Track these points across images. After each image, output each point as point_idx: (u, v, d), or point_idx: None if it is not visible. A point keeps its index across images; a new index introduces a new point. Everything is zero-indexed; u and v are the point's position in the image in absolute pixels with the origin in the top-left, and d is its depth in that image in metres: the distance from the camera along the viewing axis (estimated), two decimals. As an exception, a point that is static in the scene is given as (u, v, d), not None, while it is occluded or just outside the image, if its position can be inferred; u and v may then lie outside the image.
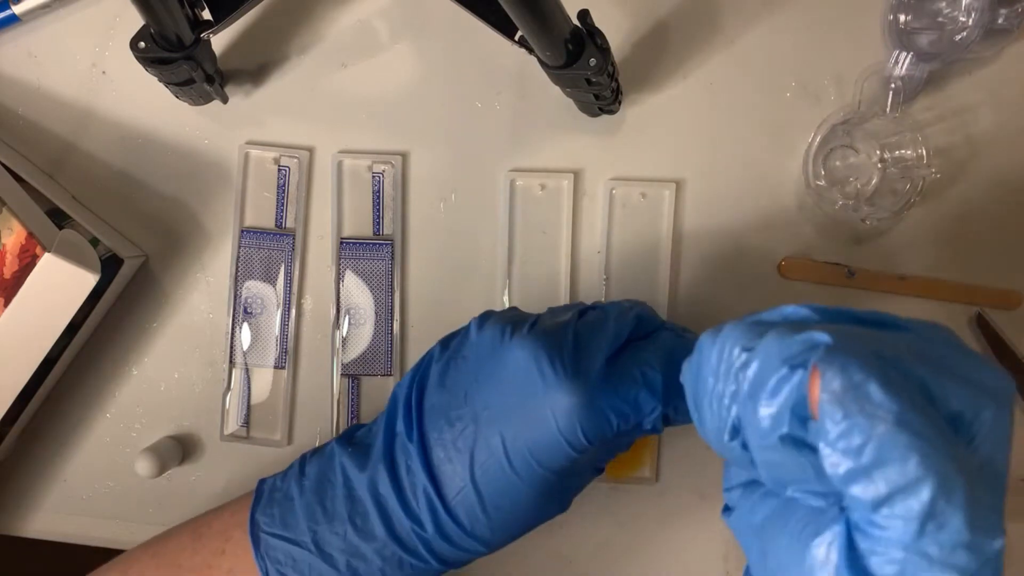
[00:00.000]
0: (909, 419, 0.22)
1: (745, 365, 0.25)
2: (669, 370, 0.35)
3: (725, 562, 0.49)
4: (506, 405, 0.34)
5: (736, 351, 0.26)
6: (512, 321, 0.36)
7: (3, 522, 0.50)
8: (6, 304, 0.40)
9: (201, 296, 0.49)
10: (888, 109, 0.44)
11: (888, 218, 0.45)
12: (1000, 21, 0.43)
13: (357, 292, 0.48)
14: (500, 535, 0.36)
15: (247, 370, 0.49)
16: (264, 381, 0.49)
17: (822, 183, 0.45)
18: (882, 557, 0.23)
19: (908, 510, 0.22)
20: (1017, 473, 0.47)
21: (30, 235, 0.39)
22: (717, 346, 0.27)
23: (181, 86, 0.44)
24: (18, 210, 0.40)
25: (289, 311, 0.48)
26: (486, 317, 0.37)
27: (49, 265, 0.39)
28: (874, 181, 0.45)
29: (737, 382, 0.26)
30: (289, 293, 0.48)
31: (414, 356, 0.49)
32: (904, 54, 0.44)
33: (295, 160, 0.48)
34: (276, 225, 0.48)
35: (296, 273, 0.48)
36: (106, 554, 0.45)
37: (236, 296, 0.48)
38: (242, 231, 0.48)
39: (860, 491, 0.22)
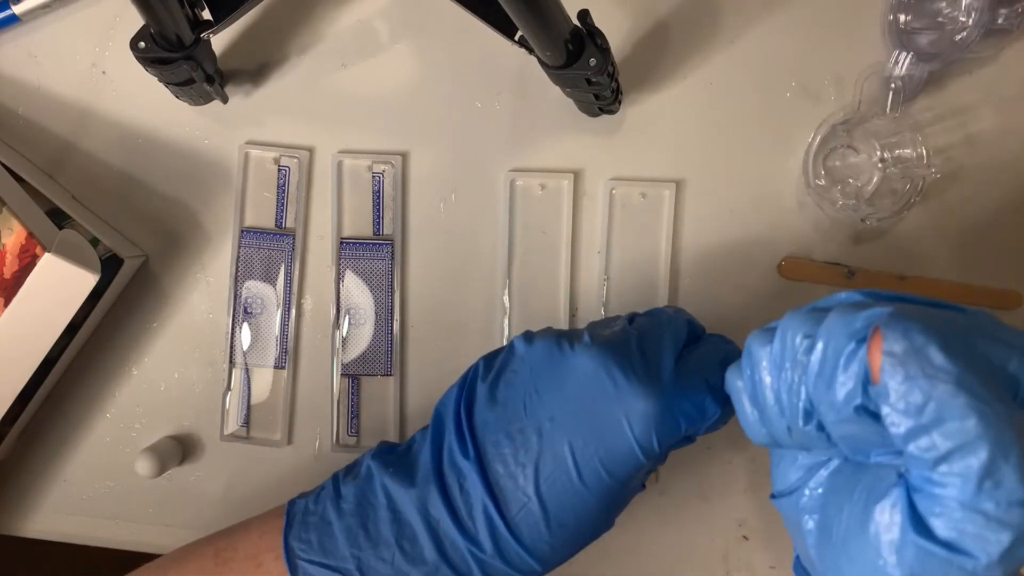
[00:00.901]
0: (968, 381, 0.23)
1: (809, 349, 0.27)
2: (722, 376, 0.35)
3: (725, 562, 0.48)
4: (574, 415, 0.34)
5: (798, 338, 0.27)
6: (561, 334, 0.36)
7: (3, 522, 0.50)
8: (6, 304, 0.40)
9: (201, 296, 0.49)
10: (888, 109, 0.44)
11: (888, 218, 0.45)
12: (1000, 21, 0.43)
13: (357, 292, 0.48)
14: (558, 554, 0.35)
15: (247, 370, 0.49)
16: (264, 381, 0.49)
17: (822, 183, 0.45)
18: (941, 515, 0.24)
19: (966, 468, 0.23)
20: (1017, 473, 0.47)
21: (30, 235, 0.39)
22: (779, 337, 0.28)
23: (181, 86, 0.44)
24: (18, 210, 0.40)
25: (289, 311, 0.48)
26: (530, 334, 0.36)
27: (49, 265, 0.39)
28: (874, 181, 0.45)
29: (803, 367, 0.27)
30: (289, 293, 0.48)
31: (414, 356, 0.49)
32: (904, 54, 0.44)
33: (295, 160, 0.48)
34: (276, 225, 0.48)
35: (296, 273, 0.48)
36: (106, 554, 0.45)
37: (236, 296, 0.48)
38: (242, 231, 0.48)
39: (919, 449, 0.24)
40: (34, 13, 0.48)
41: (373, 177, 0.48)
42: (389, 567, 0.35)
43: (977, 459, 0.23)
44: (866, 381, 0.25)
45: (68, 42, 0.48)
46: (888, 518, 0.25)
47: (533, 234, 0.48)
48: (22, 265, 0.39)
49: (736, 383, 0.30)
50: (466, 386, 0.37)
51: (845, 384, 0.25)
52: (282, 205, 0.48)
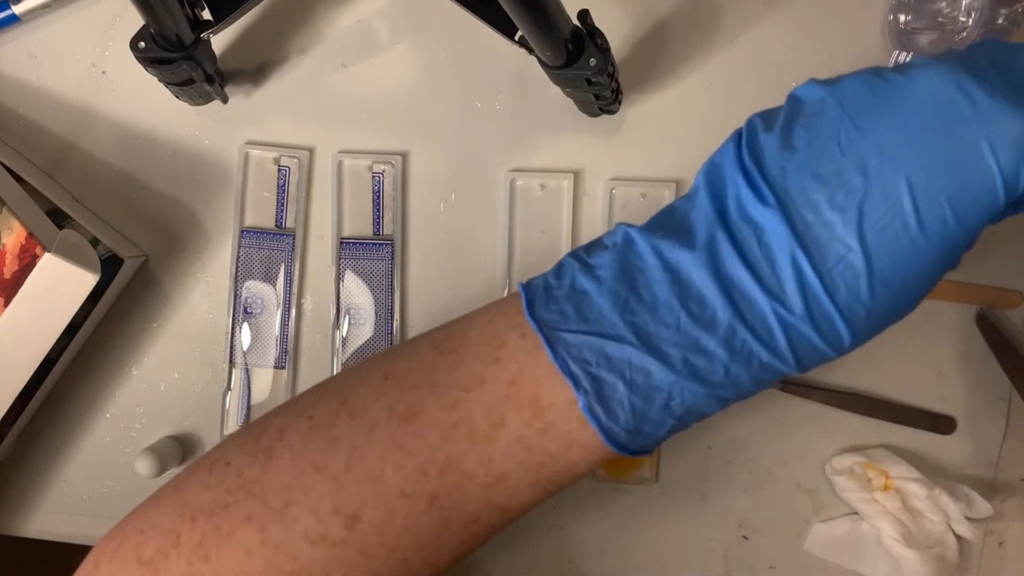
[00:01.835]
0: None
1: None
2: None
3: (725, 562, 0.48)
4: (915, 145, 0.27)
5: None
6: (872, 69, 0.30)
7: (3, 522, 0.50)
8: (6, 304, 0.40)
9: (201, 296, 0.49)
10: (888, 109, 0.44)
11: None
12: (1000, 21, 0.43)
13: (357, 292, 0.48)
14: (873, 326, 0.29)
15: (247, 370, 0.49)
16: (264, 381, 0.49)
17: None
18: None
19: None
20: (1017, 473, 0.47)
21: (30, 235, 0.39)
22: None
23: (181, 86, 0.44)
24: (18, 210, 0.40)
25: (289, 311, 0.48)
26: (816, 80, 0.31)
27: (49, 265, 0.39)
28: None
29: None
30: (289, 293, 0.48)
31: (414, 356, 0.49)
32: (904, 54, 0.44)
33: (295, 160, 0.48)
34: (276, 225, 0.48)
35: (296, 273, 0.48)
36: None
37: (236, 296, 0.48)
38: (242, 231, 0.48)
39: None
40: (34, 13, 0.48)
41: (373, 177, 0.48)
42: (674, 332, 0.29)
43: None
44: None
45: (68, 42, 0.48)
46: None
47: (533, 234, 0.48)
48: (22, 265, 0.39)
49: None
50: (743, 140, 0.30)
51: None
52: (282, 205, 0.48)
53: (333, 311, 0.48)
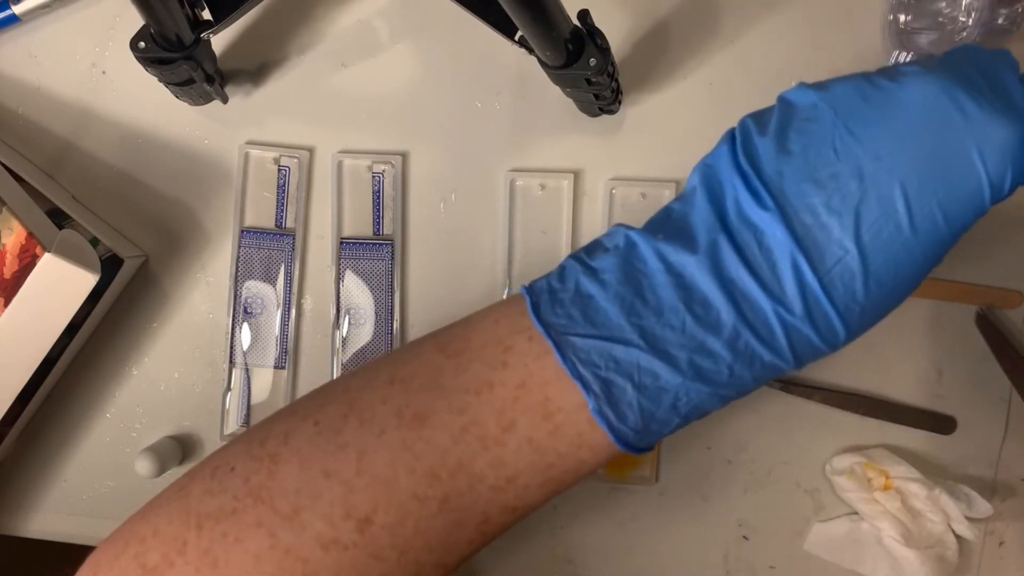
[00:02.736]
0: None
1: None
2: None
3: (725, 562, 0.48)
4: (907, 152, 0.28)
5: None
6: (860, 74, 0.31)
7: (3, 522, 0.50)
8: (6, 304, 0.40)
9: (201, 296, 0.49)
10: (888, 109, 0.44)
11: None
12: (1000, 21, 0.43)
13: (357, 292, 0.48)
14: (865, 322, 0.30)
15: (247, 370, 0.49)
16: (264, 381, 0.49)
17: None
18: None
19: None
20: (1017, 473, 0.47)
21: (30, 235, 0.39)
22: None
23: (181, 86, 0.44)
24: (18, 210, 0.40)
25: (289, 311, 0.48)
26: (806, 84, 0.31)
27: (49, 265, 0.39)
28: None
29: None
30: (289, 293, 0.48)
31: (414, 356, 0.49)
32: (904, 54, 0.44)
33: (295, 160, 0.48)
34: (276, 225, 0.48)
35: (296, 273, 0.48)
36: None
37: (236, 296, 0.48)
38: (242, 231, 0.48)
39: None
40: (34, 13, 0.48)
41: (373, 177, 0.48)
42: (680, 334, 0.29)
43: None
44: None
45: (68, 42, 0.48)
46: None
47: (533, 234, 0.48)
48: (22, 265, 0.39)
49: None
50: (737, 143, 0.31)
51: None
52: (282, 205, 0.48)
53: (333, 311, 0.48)
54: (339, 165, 0.48)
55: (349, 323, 0.48)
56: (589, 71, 0.39)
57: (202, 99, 0.47)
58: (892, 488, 0.46)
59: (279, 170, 0.48)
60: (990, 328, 0.46)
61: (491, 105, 0.48)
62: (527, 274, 0.48)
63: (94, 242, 0.44)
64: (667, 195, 0.47)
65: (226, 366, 0.49)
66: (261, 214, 0.48)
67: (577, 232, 0.47)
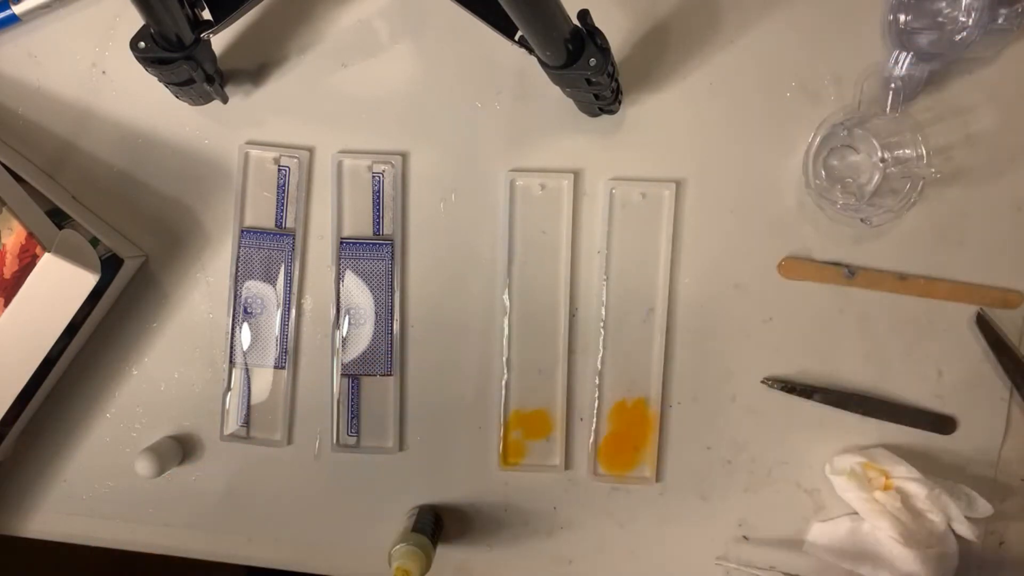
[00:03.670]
0: None
1: None
2: None
3: (725, 562, 0.48)
4: None
5: None
6: None
7: (3, 522, 0.50)
8: (6, 304, 0.40)
9: (201, 296, 0.49)
10: (888, 109, 0.44)
11: (888, 218, 0.45)
12: (1000, 21, 0.43)
13: (357, 292, 0.48)
14: None
15: (247, 370, 0.49)
16: (264, 381, 0.49)
17: (822, 183, 0.45)
18: None
19: None
20: (1017, 473, 0.47)
21: (30, 235, 0.39)
22: None
23: (181, 86, 0.44)
24: (18, 210, 0.40)
25: (289, 311, 0.48)
26: None
27: (49, 265, 0.39)
28: (874, 181, 0.45)
29: None
30: (289, 293, 0.48)
31: (414, 356, 0.49)
32: (904, 54, 0.44)
33: (295, 160, 0.48)
34: (276, 225, 0.48)
35: (296, 273, 0.48)
36: (106, 554, 0.45)
37: (236, 296, 0.48)
38: (242, 231, 0.48)
39: None
40: (34, 13, 0.48)
41: (373, 177, 0.48)
42: None
43: None
44: None
45: (68, 42, 0.48)
46: None
47: (533, 234, 0.48)
48: (22, 265, 0.39)
49: None
50: None
51: None
52: (282, 205, 0.48)
53: (333, 311, 0.48)
54: (339, 165, 0.48)
55: (349, 323, 0.48)
56: (589, 71, 0.39)
57: (202, 99, 0.47)
58: (892, 488, 0.46)
59: (279, 170, 0.48)
60: (990, 328, 0.46)
61: (491, 105, 0.48)
62: (527, 274, 0.48)
63: (94, 242, 0.44)
64: (667, 195, 0.47)
65: (226, 366, 0.49)
66: (261, 214, 0.48)
67: (577, 232, 0.47)
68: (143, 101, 0.48)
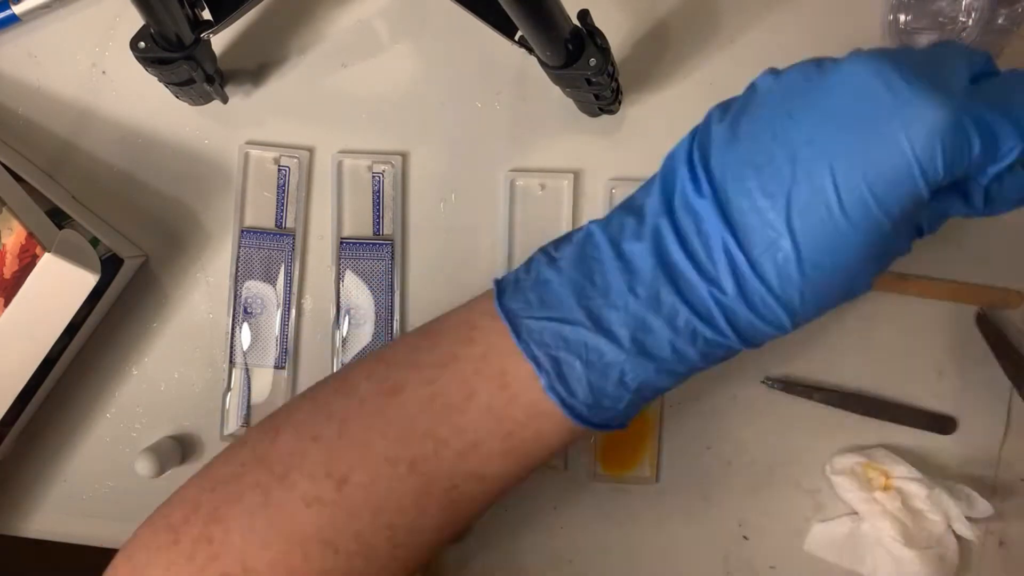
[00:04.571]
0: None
1: None
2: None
3: (725, 563, 0.48)
4: (838, 133, 0.29)
5: None
6: (820, 58, 0.31)
7: (3, 522, 0.50)
8: (6, 304, 0.40)
9: (201, 296, 0.49)
10: (888, 109, 0.44)
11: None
12: (1000, 21, 0.43)
13: (357, 292, 0.48)
14: (810, 305, 0.30)
15: (247, 370, 0.49)
16: (264, 381, 0.49)
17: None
18: None
19: None
20: (1017, 473, 0.47)
21: (30, 235, 0.39)
22: None
23: (181, 86, 0.44)
24: (18, 210, 0.40)
25: (289, 311, 0.48)
26: (776, 69, 0.33)
27: (49, 265, 0.39)
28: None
29: None
30: (289, 293, 0.48)
31: (414, 356, 0.49)
32: (904, 54, 0.44)
33: (295, 160, 0.48)
34: (276, 225, 0.48)
35: (296, 273, 0.48)
36: (106, 554, 0.45)
37: (236, 296, 0.48)
38: (242, 231, 0.48)
39: None
40: (34, 13, 0.48)
41: (373, 177, 0.48)
42: (623, 313, 0.31)
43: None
44: None
45: (68, 42, 0.48)
46: None
47: (533, 234, 0.48)
48: (22, 265, 0.39)
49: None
50: (697, 132, 0.33)
51: None
52: (282, 205, 0.48)
53: (333, 311, 0.48)
54: (339, 165, 0.48)
55: (349, 323, 0.48)
56: (589, 71, 0.39)
57: (202, 99, 0.47)
58: (892, 488, 0.46)
59: (279, 170, 0.48)
60: (990, 328, 0.46)
61: (491, 105, 0.48)
62: (527, 274, 0.48)
63: (94, 242, 0.44)
64: (667, 195, 0.47)
65: (226, 366, 0.49)
66: (261, 214, 0.48)
67: (577, 232, 0.48)
68: (143, 101, 0.48)
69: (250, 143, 0.48)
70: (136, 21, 0.40)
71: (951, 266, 0.47)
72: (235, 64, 0.48)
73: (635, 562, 0.49)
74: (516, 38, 0.40)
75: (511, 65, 0.47)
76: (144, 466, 0.46)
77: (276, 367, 0.49)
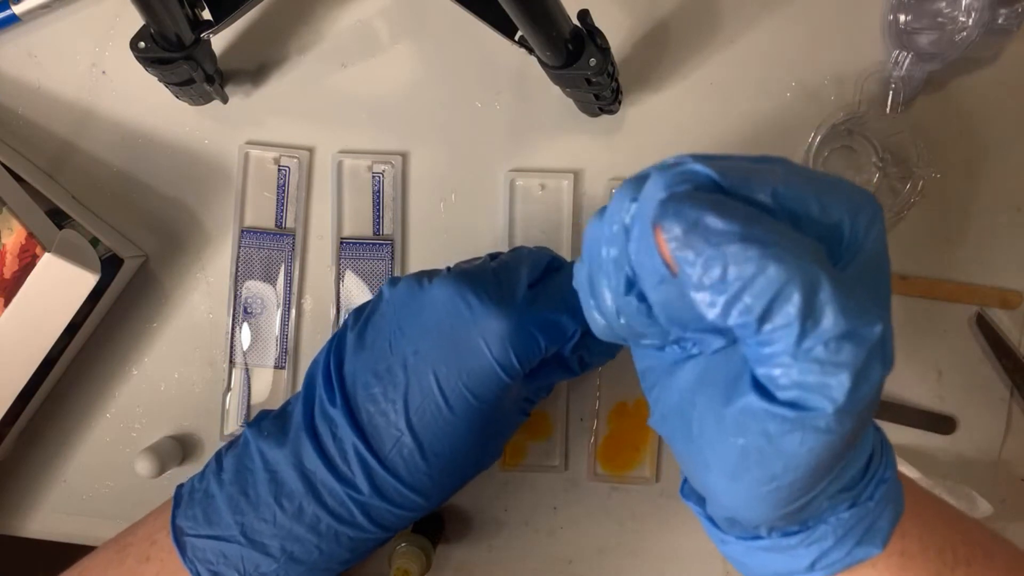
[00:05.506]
0: (754, 233, 0.22)
1: (631, 212, 0.26)
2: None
3: (725, 563, 0.48)
4: (436, 344, 0.35)
5: (625, 204, 0.26)
6: (423, 272, 0.37)
7: (3, 522, 0.50)
8: (6, 304, 0.40)
9: (201, 296, 0.49)
10: (888, 109, 0.44)
11: (888, 218, 0.45)
12: (1000, 21, 0.43)
13: (357, 292, 0.48)
14: (440, 485, 0.36)
15: (247, 370, 0.49)
16: (264, 381, 0.49)
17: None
18: (779, 375, 0.23)
19: (786, 317, 0.22)
20: (1017, 473, 0.48)
21: (30, 235, 0.39)
22: (609, 207, 0.27)
23: (181, 86, 0.44)
24: (18, 210, 0.40)
25: (289, 311, 0.48)
26: (395, 278, 0.38)
27: (49, 265, 0.39)
28: (874, 181, 0.45)
29: (627, 232, 0.26)
30: (289, 293, 0.48)
31: (414, 356, 0.49)
32: (904, 54, 0.44)
33: (295, 160, 0.48)
34: (276, 225, 0.48)
35: (296, 273, 0.48)
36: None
37: (236, 296, 0.48)
38: (242, 231, 0.48)
39: (740, 318, 0.22)
40: (34, 13, 0.48)
41: (373, 177, 0.48)
42: (271, 526, 0.36)
43: (793, 304, 0.22)
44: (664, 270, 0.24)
45: (68, 42, 0.48)
46: (736, 397, 0.24)
47: (533, 234, 0.48)
48: (22, 265, 0.39)
49: (579, 273, 0.29)
50: (335, 339, 0.37)
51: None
52: (282, 205, 0.48)
53: (333, 311, 0.48)
54: (339, 165, 0.48)
55: (349, 323, 0.48)
56: (589, 71, 0.39)
57: (202, 99, 0.47)
58: (892, 488, 0.46)
59: (279, 170, 0.48)
60: (990, 328, 0.46)
61: (491, 105, 0.48)
62: (527, 274, 0.48)
63: (94, 242, 0.44)
64: (667, 195, 0.47)
65: (226, 366, 0.49)
66: (261, 214, 0.48)
67: (577, 232, 0.48)
68: (143, 101, 0.48)
69: (250, 143, 0.48)
70: (136, 21, 0.40)
71: (951, 266, 0.47)
72: (235, 64, 0.48)
73: (635, 562, 0.49)
74: (516, 38, 0.40)
75: (511, 65, 0.47)
76: (144, 466, 0.46)
77: (276, 367, 0.49)
